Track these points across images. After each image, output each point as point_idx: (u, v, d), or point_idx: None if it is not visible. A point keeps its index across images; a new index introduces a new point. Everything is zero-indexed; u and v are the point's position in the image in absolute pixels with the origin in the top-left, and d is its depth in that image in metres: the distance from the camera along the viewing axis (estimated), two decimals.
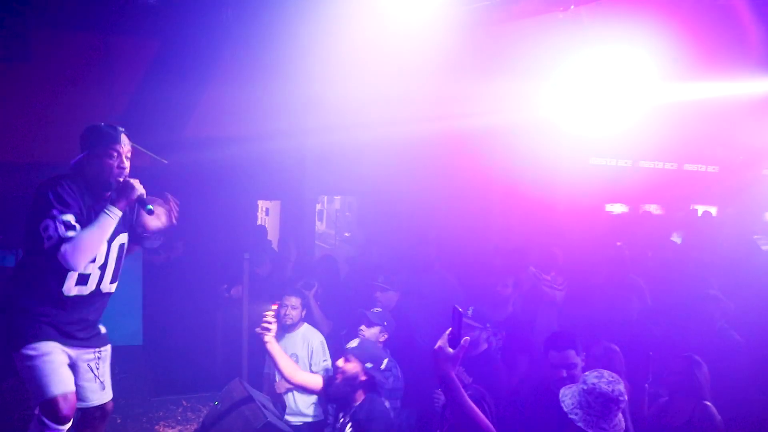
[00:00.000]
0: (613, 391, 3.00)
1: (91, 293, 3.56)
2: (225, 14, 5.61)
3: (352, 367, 4.07)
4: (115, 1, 6.57)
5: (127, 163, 3.56)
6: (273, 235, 9.47)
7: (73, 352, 3.53)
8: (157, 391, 6.73)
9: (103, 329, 3.81)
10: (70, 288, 3.47)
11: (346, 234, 13.36)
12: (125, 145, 3.56)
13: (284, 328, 5.20)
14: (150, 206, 3.58)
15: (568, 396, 3.10)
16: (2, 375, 5.03)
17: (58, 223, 3.25)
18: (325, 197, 14.19)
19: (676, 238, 9.56)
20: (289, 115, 7.03)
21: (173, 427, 6.06)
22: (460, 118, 7.35)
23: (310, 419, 5.13)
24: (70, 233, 3.27)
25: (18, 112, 7.04)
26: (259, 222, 10.86)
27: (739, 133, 10.19)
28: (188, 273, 7.63)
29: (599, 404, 2.97)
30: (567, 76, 6.84)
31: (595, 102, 7.29)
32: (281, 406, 5.22)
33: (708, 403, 4.13)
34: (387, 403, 4.27)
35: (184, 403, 6.55)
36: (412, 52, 5.53)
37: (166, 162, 6.35)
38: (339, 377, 4.10)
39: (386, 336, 4.90)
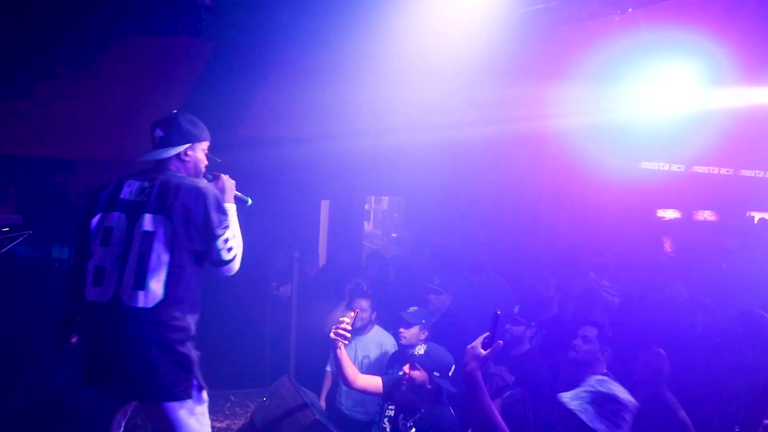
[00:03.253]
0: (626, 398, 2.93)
1: None
2: (280, 16, 5.67)
3: (419, 375, 3.94)
4: (173, 2, 6.74)
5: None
6: (321, 235, 9.55)
7: None
8: (206, 385, 6.85)
9: None
10: None
11: (393, 234, 13.39)
12: None
13: (355, 332, 4.96)
14: (250, 200, 3.49)
15: (570, 397, 2.97)
16: None
17: (232, 233, 3.06)
18: (373, 197, 14.23)
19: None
20: (341, 117, 7.08)
21: (221, 421, 6.15)
22: (511, 122, 7.31)
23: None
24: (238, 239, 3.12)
25: (75, 112, 7.26)
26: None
27: None
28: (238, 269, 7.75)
29: (612, 405, 2.87)
30: (621, 79, 6.74)
31: (649, 106, 7.18)
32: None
33: None
34: (452, 410, 4.26)
35: (231, 398, 6.65)
36: (464, 56, 5.52)
37: (219, 161, 6.46)
38: (405, 384, 3.99)
39: (426, 333, 4.89)
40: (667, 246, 8.54)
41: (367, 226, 13.81)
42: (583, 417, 2.82)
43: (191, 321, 3.01)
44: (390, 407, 4.24)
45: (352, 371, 4.28)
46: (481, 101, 6.87)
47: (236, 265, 3.11)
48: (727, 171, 11.06)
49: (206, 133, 3.22)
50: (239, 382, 6.85)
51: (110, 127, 7.24)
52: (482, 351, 2.89)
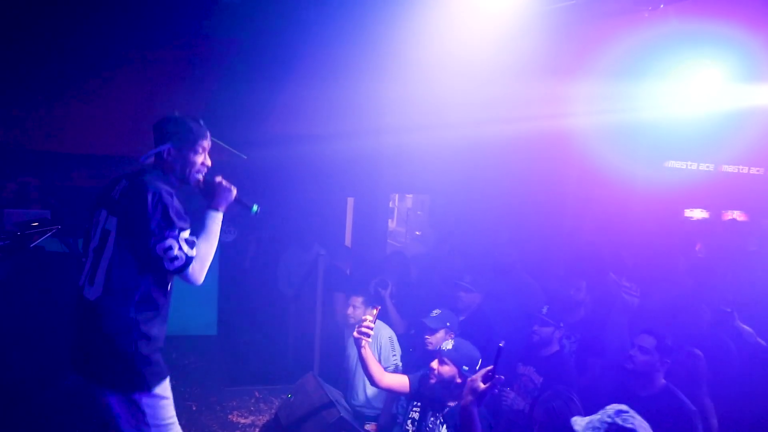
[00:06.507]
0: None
1: None
2: (306, 14, 5.67)
3: (448, 370, 3.99)
4: (197, 2, 6.77)
5: (209, 161, 3.26)
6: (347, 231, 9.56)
7: None
8: (231, 381, 6.91)
9: None
10: (168, 296, 3.17)
11: (417, 233, 13.35)
12: (208, 141, 3.25)
13: (351, 327, 5.16)
14: (256, 207, 3.35)
15: (584, 426, 2.61)
16: None
17: (182, 243, 2.92)
18: (397, 195, 14.19)
19: None
20: (366, 114, 7.07)
21: (246, 417, 6.20)
22: (536, 121, 7.23)
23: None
24: (195, 250, 2.98)
25: (101, 110, 7.33)
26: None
27: None
28: (263, 266, 7.80)
29: None
30: (649, 76, 6.64)
31: (678, 103, 7.07)
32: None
33: None
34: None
35: (256, 393, 6.69)
36: (491, 53, 5.47)
37: (245, 157, 6.49)
38: (434, 380, 4.04)
39: (453, 335, 4.86)
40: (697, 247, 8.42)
41: (391, 224, 13.79)
42: None
43: (138, 317, 2.99)
44: (415, 408, 4.24)
45: (377, 370, 4.28)
46: (508, 99, 6.80)
47: (192, 277, 2.99)
48: (757, 171, 10.85)
49: (197, 135, 3.18)
50: (264, 379, 6.90)
51: (136, 124, 7.29)
52: (481, 385, 2.96)
